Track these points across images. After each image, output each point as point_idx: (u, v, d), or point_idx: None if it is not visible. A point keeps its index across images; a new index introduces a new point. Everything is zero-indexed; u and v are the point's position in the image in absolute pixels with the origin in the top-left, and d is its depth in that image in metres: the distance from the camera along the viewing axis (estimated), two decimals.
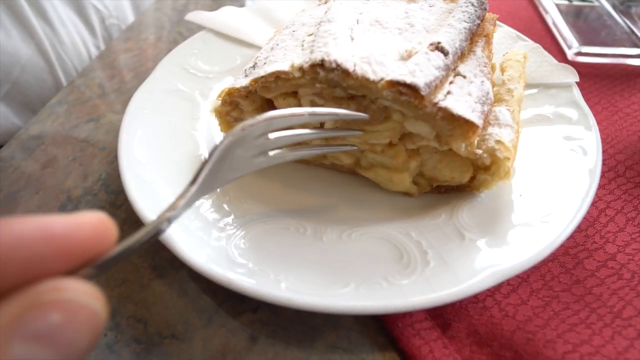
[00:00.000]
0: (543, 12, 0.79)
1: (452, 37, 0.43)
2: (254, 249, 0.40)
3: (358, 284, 0.37)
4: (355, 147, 0.44)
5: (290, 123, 0.36)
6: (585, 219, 0.45)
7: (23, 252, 0.17)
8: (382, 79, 0.39)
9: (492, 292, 0.40)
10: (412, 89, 0.37)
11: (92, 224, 0.20)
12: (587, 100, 0.53)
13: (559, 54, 0.70)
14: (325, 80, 0.41)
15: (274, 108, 0.48)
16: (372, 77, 0.39)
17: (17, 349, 0.16)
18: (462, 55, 0.45)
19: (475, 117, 0.38)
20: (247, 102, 0.47)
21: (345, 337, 0.39)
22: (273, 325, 0.40)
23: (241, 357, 0.38)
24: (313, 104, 0.44)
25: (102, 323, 0.19)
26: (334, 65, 0.39)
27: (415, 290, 0.36)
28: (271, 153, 0.37)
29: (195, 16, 0.70)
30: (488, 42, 0.49)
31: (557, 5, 0.77)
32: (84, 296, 0.18)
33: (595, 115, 0.51)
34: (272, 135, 0.35)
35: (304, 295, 0.35)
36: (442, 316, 0.39)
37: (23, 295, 0.17)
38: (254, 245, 0.41)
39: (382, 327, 0.39)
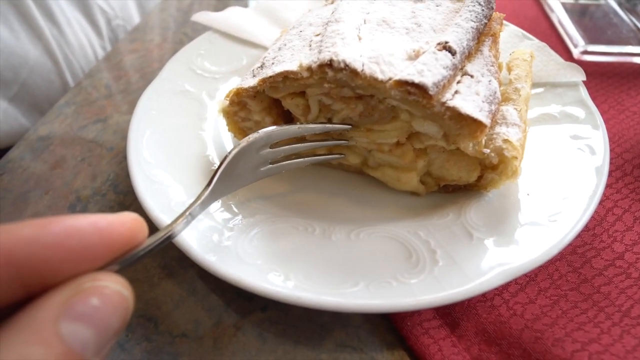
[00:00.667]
0: (548, 11, 0.79)
1: (459, 36, 0.43)
2: (263, 248, 0.40)
3: (367, 283, 0.37)
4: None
5: (286, 135, 0.42)
6: (592, 217, 0.45)
7: (73, 241, 0.21)
8: (390, 79, 0.39)
9: (500, 291, 0.40)
10: (420, 88, 0.38)
11: (129, 222, 0.24)
12: (593, 99, 0.53)
13: (565, 53, 0.70)
14: (334, 80, 0.41)
15: (282, 108, 0.48)
16: (380, 76, 0.39)
17: (64, 328, 0.19)
18: (470, 54, 0.45)
19: (483, 117, 0.39)
20: (255, 102, 0.47)
21: (354, 336, 0.39)
22: (282, 323, 0.40)
23: (250, 355, 0.38)
24: (321, 103, 0.45)
25: (131, 308, 0.22)
26: (342, 65, 0.39)
27: (424, 289, 0.36)
28: (271, 165, 0.42)
29: (201, 17, 0.70)
30: (495, 41, 0.49)
31: (563, 4, 0.77)
32: (117, 284, 0.21)
33: (601, 114, 0.51)
34: (271, 148, 0.42)
35: (313, 294, 0.36)
36: (450, 315, 0.39)
37: (68, 285, 0.20)
38: (263, 244, 0.41)
39: (391, 325, 0.39)
